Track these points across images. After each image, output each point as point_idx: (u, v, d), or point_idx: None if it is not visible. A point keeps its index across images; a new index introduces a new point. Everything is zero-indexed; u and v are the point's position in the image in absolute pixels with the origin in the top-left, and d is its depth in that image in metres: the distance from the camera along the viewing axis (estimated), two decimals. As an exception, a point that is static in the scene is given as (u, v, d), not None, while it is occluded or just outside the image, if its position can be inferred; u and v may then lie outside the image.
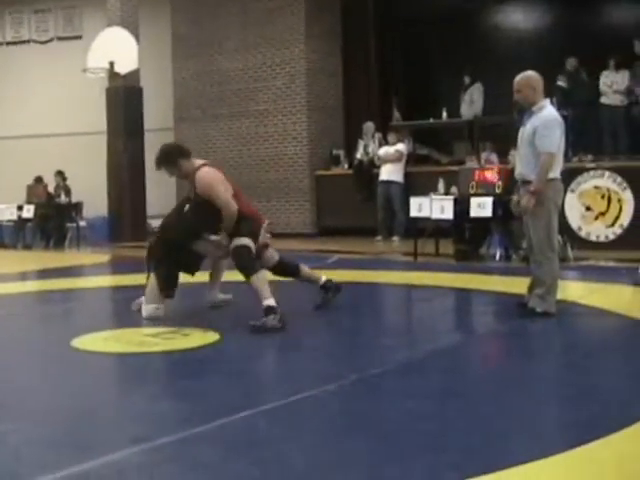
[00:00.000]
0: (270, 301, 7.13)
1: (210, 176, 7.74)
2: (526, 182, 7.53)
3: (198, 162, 7.96)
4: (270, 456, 4.01)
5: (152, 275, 7.83)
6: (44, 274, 13.22)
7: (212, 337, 6.86)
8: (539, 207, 7.43)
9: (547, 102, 7.68)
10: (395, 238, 15.88)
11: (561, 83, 15.57)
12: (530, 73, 7.64)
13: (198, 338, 6.87)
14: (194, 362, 6.18)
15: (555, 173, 7.50)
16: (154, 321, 7.59)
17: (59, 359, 6.56)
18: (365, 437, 4.28)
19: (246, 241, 7.51)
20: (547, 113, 7.54)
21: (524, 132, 7.60)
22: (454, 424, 4.50)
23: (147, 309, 7.76)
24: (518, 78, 7.64)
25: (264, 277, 7.42)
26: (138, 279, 9.56)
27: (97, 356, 6.52)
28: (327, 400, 4.99)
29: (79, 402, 5.20)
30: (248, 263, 7.43)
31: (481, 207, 11.98)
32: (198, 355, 6.35)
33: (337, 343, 6.90)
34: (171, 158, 7.86)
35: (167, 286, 7.75)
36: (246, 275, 7.39)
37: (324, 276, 8.39)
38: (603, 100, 15.62)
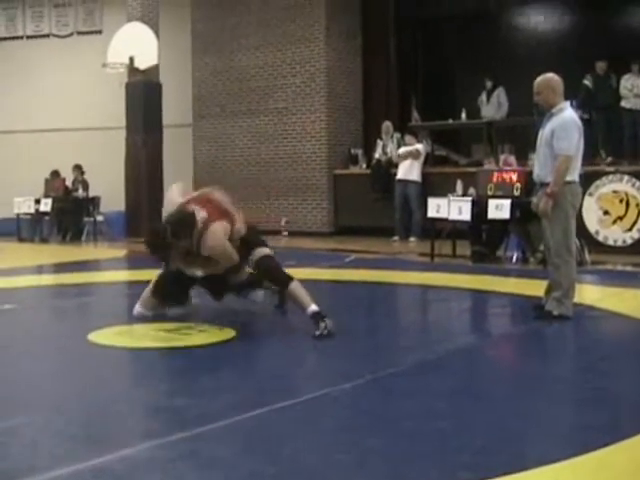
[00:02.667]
0: (314, 306, 6.88)
1: (219, 238, 7.04)
2: (544, 184, 7.51)
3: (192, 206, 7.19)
4: (285, 454, 4.01)
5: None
6: (60, 268, 13.25)
7: (228, 334, 6.86)
8: (556, 210, 7.40)
9: (567, 104, 7.65)
10: (412, 238, 15.87)
11: (587, 82, 15.53)
12: (550, 75, 7.61)
13: (214, 334, 6.87)
14: (210, 358, 6.18)
15: (573, 176, 7.47)
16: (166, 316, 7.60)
17: (75, 353, 6.57)
18: (381, 436, 4.27)
19: (267, 250, 7.29)
20: (566, 115, 7.51)
21: (543, 134, 7.57)
22: (470, 425, 4.49)
23: (136, 309, 7.72)
24: (538, 80, 7.61)
25: (298, 284, 7.12)
26: (154, 274, 9.59)
27: (113, 350, 6.53)
28: (343, 399, 4.98)
29: (95, 396, 5.21)
30: (279, 274, 7.19)
31: (499, 209, 11.95)
32: (214, 351, 6.35)
33: (353, 343, 6.88)
34: (189, 229, 6.98)
35: (163, 297, 7.61)
36: (282, 285, 7.17)
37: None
38: (624, 104, 15.58)
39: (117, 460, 3.90)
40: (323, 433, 4.40)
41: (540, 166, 7.60)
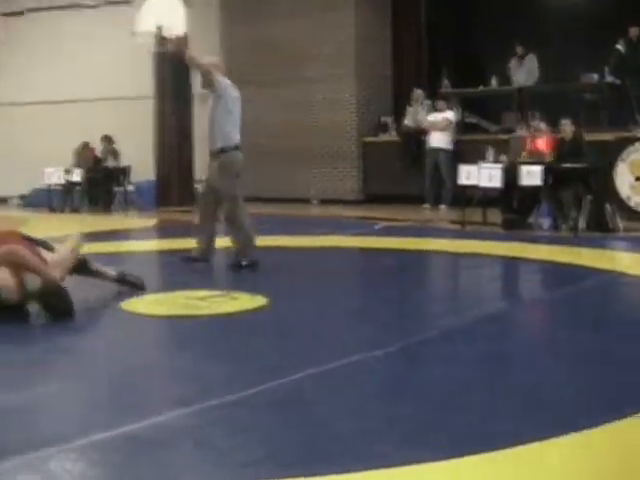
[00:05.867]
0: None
1: None
2: None
3: None
4: (316, 421, 4.02)
5: None
6: (91, 237, 13.28)
7: (260, 301, 6.88)
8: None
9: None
10: (442, 206, 15.80)
11: (620, 47, 15.37)
12: None
13: (246, 302, 6.89)
14: (241, 325, 6.21)
15: None
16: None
17: (108, 321, 6.62)
18: (411, 402, 4.28)
19: None
20: None
21: None
22: (500, 391, 4.48)
23: None
24: None
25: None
26: (184, 243, 9.64)
27: (146, 319, 6.57)
28: (373, 365, 4.99)
29: (127, 363, 5.25)
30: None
31: (531, 175, 11.87)
32: (246, 319, 6.38)
33: (383, 310, 6.88)
34: None
35: None
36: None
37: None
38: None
39: (150, 427, 3.93)
40: (354, 400, 4.40)
41: None
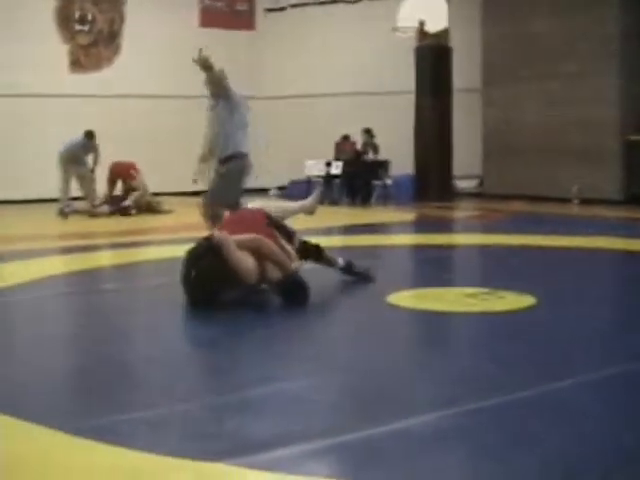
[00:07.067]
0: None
1: None
2: None
3: None
4: (595, 431, 3.85)
5: None
6: (350, 230, 13.52)
7: (528, 301, 6.72)
8: None
9: None
10: None
11: None
12: None
13: (514, 301, 6.77)
14: (511, 325, 6.08)
15: None
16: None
17: (375, 315, 6.66)
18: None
19: None
20: None
21: None
22: None
23: None
24: None
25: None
26: (442, 239, 9.60)
27: (415, 314, 6.58)
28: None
29: (396, 358, 5.27)
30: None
31: None
32: (515, 318, 6.25)
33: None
34: None
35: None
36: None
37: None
38: None
39: (420, 424, 3.91)
40: (636, 412, 4.17)
41: None
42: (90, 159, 16.42)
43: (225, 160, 9.09)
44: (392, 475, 3.36)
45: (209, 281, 6.58)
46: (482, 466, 3.47)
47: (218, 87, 8.96)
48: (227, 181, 9.12)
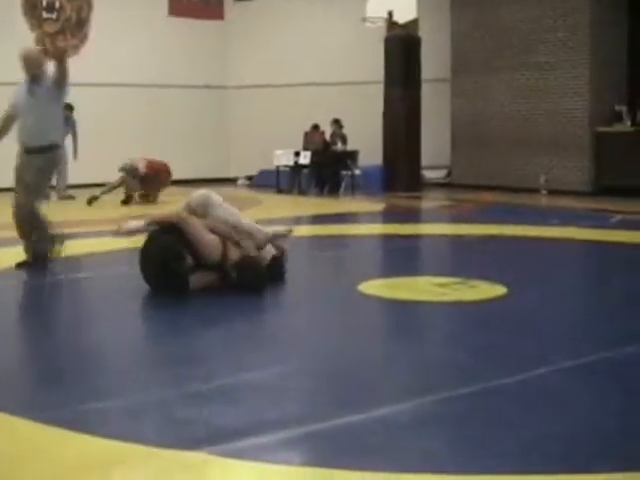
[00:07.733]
0: None
1: None
2: None
3: None
4: (574, 416, 3.86)
5: None
6: (318, 220, 13.48)
7: (499, 290, 6.73)
8: None
9: None
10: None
11: None
12: None
13: (485, 290, 6.77)
14: (483, 315, 6.08)
15: None
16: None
17: (347, 303, 6.63)
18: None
19: None
20: None
21: None
22: None
23: None
24: None
25: None
26: (412, 229, 9.59)
27: (387, 303, 6.56)
28: (630, 362, 4.76)
29: (370, 347, 5.26)
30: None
31: None
32: (487, 308, 6.25)
33: (628, 306, 6.57)
34: None
35: None
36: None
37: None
38: None
39: (397, 412, 3.90)
40: (612, 397, 4.19)
41: None
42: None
43: (40, 150, 8.20)
44: (370, 462, 3.33)
45: (173, 258, 6.57)
46: (461, 452, 3.46)
47: (61, 74, 8.31)
48: (45, 172, 8.34)
